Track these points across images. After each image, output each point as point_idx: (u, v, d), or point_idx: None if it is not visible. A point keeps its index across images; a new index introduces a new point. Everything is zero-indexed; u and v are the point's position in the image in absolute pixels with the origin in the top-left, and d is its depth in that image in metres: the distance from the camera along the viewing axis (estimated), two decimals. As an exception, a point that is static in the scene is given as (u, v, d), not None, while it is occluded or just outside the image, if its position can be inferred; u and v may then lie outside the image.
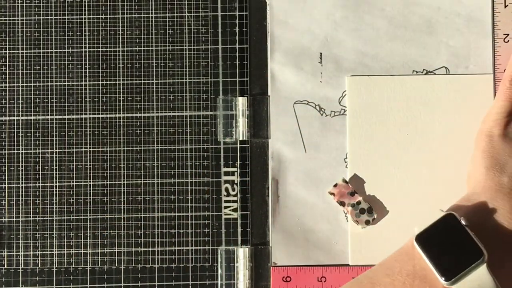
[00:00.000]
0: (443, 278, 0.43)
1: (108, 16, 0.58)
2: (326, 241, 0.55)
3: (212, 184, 0.57)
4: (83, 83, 0.58)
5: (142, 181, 0.57)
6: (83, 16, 0.58)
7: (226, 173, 0.57)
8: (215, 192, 0.57)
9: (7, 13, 0.58)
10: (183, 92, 0.58)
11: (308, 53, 0.57)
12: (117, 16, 0.58)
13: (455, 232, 0.44)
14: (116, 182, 0.57)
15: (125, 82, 0.58)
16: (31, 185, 0.57)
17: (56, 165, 0.57)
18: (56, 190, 0.57)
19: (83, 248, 0.57)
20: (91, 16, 0.58)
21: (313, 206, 0.56)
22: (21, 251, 0.57)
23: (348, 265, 0.55)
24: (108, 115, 0.58)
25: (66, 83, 0.58)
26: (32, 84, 0.58)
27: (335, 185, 0.55)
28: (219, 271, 0.56)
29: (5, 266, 0.56)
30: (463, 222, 0.44)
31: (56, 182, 0.57)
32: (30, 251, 0.57)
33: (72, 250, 0.57)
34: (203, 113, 0.58)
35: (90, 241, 0.57)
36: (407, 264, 0.45)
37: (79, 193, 0.57)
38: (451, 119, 0.56)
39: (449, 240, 0.44)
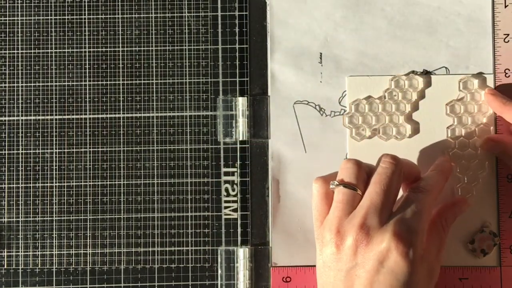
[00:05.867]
0: None
1: (108, 16, 0.58)
2: (326, 241, 0.55)
3: (212, 184, 0.57)
4: (83, 83, 0.58)
5: (142, 181, 0.57)
6: (83, 16, 0.58)
7: (226, 173, 0.57)
8: (215, 192, 0.57)
9: (7, 13, 0.58)
10: (183, 92, 0.58)
11: (308, 53, 0.57)
12: (117, 16, 0.58)
13: None
14: (116, 182, 0.57)
15: (125, 82, 0.58)
16: (31, 185, 0.57)
17: (56, 165, 0.57)
18: (56, 190, 0.57)
19: (83, 248, 0.57)
20: (91, 16, 0.58)
21: (313, 206, 0.56)
22: (21, 251, 0.57)
23: (348, 265, 0.55)
24: (108, 115, 0.58)
25: (66, 83, 0.58)
26: (32, 84, 0.58)
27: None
28: (219, 271, 0.56)
29: (5, 266, 0.56)
30: None
31: (56, 182, 0.57)
32: (30, 251, 0.57)
33: (72, 250, 0.57)
34: (203, 113, 0.58)
35: (90, 241, 0.57)
36: None
37: (79, 193, 0.57)
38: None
39: None
